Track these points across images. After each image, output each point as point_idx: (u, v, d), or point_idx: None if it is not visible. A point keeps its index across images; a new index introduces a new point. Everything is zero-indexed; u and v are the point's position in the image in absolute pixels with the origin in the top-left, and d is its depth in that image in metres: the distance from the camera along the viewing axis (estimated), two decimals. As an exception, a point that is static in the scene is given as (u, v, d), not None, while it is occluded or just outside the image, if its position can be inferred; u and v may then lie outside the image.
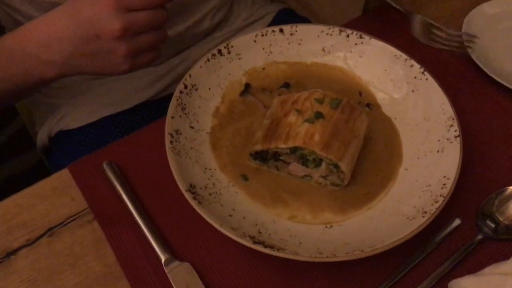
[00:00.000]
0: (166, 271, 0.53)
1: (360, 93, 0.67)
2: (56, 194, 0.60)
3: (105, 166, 0.61)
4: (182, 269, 0.53)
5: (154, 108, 0.85)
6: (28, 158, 1.25)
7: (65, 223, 0.58)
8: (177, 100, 0.61)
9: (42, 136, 0.91)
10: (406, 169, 0.60)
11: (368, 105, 0.66)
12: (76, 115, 0.85)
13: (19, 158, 1.27)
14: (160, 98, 0.87)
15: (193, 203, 0.53)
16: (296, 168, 0.59)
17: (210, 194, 0.56)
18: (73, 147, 0.85)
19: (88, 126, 0.84)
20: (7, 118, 1.25)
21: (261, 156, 0.60)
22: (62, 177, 0.62)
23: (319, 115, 0.58)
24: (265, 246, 0.50)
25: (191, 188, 0.54)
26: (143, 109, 0.85)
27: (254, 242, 0.50)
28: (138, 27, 0.58)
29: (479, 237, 0.55)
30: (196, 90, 0.64)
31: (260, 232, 0.53)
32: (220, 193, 0.57)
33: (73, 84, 0.84)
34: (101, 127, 0.83)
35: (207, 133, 0.63)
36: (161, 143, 0.57)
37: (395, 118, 0.64)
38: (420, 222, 0.51)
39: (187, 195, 0.53)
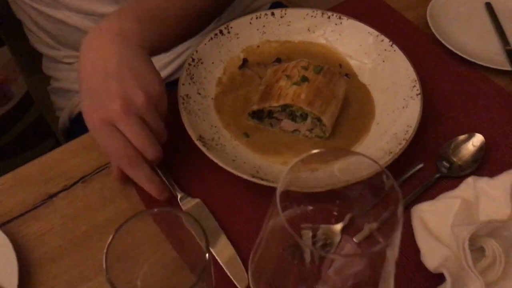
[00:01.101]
0: (181, 206, 0.65)
1: (340, 65, 0.79)
2: (86, 150, 0.72)
3: (127, 126, 0.73)
4: (195, 203, 0.65)
5: None
6: (44, 148, 1.34)
7: (95, 172, 0.70)
8: (186, 70, 0.73)
9: (63, 119, 1.02)
10: (378, 123, 0.72)
11: (347, 74, 0.78)
12: None
13: (35, 149, 1.35)
14: (167, 84, 0.98)
15: (203, 149, 0.65)
16: (287, 124, 0.71)
17: (216, 145, 0.68)
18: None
19: None
20: (23, 109, 1.33)
21: (258, 115, 0.72)
22: (91, 138, 0.74)
23: (304, 79, 0.70)
24: (262, 180, 0.62)
25: (201, 139, 0.66)
26: None
27: (253, 177, 0.62)
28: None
29: (437, 175, 0.67)
30: (202, 63, 0.76)
31: (258, 172, 0.65)
32: (224, 145, 0.69)
33: None
34: None
35: (212, 98, 0.75)
36: (174, 107, 0.69)
37: (369, 84, 0.76)
38: (386, 159, 0.63)
39: (198, 143, 0.65)
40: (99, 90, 0.60)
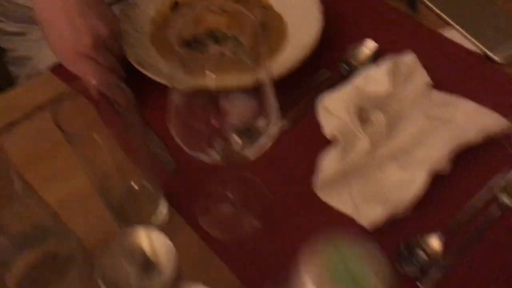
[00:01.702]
0: (128, 119, 0.77)
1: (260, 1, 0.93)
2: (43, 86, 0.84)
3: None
4: (139, 115, 0.77)
5: None
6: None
7: (51, 102, 0.81)
8: (123, 11, 0.86)
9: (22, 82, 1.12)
10: (289, 41, 0.85)
11: (264, 6, 0.91)
12: (44, 61, 1.07)
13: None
14: None
15: (141, 70, 0.77)
16: (213, 48, 0.84)
17: (154, 69, 0.80)
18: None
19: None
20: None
21: (188, 44, 0.84)
22: (45, 76, 0.85)
23: (224, 8, 0.83)
24: (192, 87, 0.74)
25: (139, 63, 0.78)
26: None
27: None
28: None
29: (340, 77, 0.81)
30: (137, 6, 0.88)
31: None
32: (162, 70, 0.82)
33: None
34: None
35: (148, 35, 0.87)
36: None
37: (283, 13, 0.90)
38: (295, 65, 0.77)
39: (136, 65, 0.77)
40: (68, 29, 0.72)
